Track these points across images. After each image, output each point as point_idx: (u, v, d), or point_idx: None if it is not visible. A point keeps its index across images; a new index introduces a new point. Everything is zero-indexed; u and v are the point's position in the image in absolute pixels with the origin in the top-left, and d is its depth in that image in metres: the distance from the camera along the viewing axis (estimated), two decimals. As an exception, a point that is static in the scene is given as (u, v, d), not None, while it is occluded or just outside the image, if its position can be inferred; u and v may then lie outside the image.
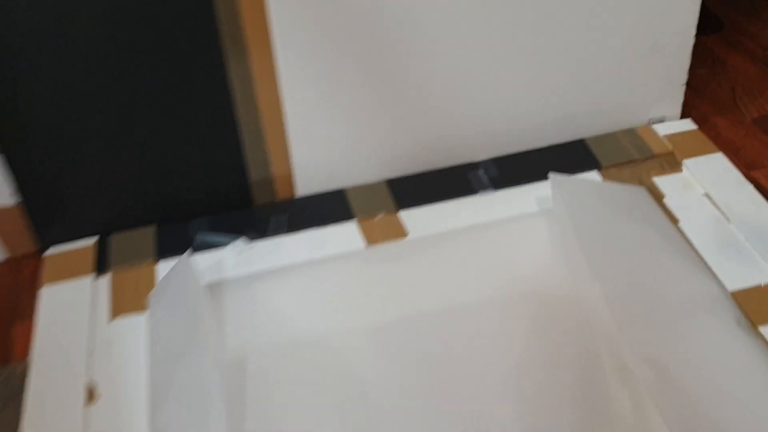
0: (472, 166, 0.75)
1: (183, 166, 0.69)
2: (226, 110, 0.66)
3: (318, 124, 0.69)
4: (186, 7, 0.60)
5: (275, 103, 0.67)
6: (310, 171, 0.72)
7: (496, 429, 0.54)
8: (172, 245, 0.69)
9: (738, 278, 0.64)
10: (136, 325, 0.63)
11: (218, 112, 0.66)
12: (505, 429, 0.54)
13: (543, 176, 0.73)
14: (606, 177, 0.73)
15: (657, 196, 0.71)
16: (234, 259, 0.67)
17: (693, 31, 0.74)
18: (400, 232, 0.69)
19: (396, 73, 0.68)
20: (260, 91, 0.65)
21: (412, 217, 0.71)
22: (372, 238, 0.69)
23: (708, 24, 0.92)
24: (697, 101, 0.83)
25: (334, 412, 0.56)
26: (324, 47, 0.65)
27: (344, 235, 0.69)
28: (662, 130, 0.78)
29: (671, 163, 0.75)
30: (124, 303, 0.65)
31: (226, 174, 0.70)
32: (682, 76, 0.77)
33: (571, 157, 0.75)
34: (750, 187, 0.72)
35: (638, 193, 0.70)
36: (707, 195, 0.71)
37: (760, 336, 0.59)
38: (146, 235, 0.70)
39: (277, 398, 0.57)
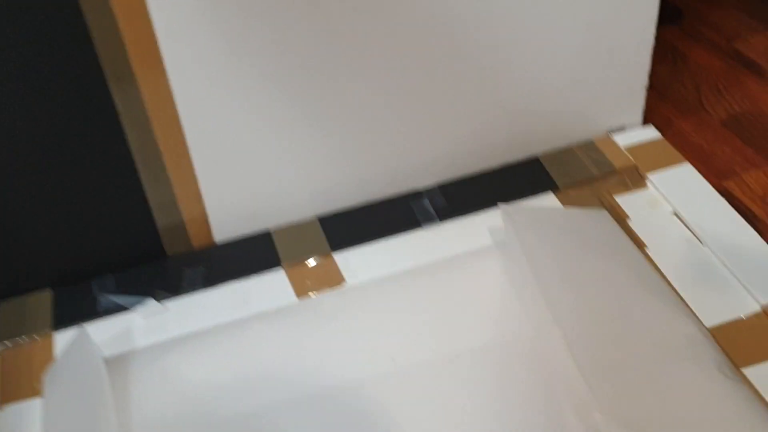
0: (416, 196, 0.68)
1: (78, 217, 0.61)
2: (119, 151, 0.58)
3: (231, 157, 0.62)
4: (59, 43, 0.52)
5: (177, 138, 0.59)
6: (228, 212, 0.65)
7: None
8: (72, 312, 0.61)
9: (716, 311, 0.58)
10: (29, 413, 0.55)
11: (110, 153, 0.58)
12: None
13: (495, 202, 0.66)
14: (563, 199, 0.67)
15: (620, 218, 0.65)
16: (142, 325, 0.60)
17: (653, 30, 0.68)
18: (336, 279, 0.63)
19: (322, 95, 0.61)
20: (157, 126, 0.58)
21: (349, 260, 0.64)
22: (304, 288, 0.62)
23: (666, 14, 0.86)
24: (659, 104, 0.77)
25: None
26: (229, 69, 0.57)
27: (271, 287, 0.62)
28: (623, 140, 0.72)
29: (634, 178, 0.69)
30: (16, 386, 0.57)
31: (128, 223, 0.62)
32: (643, 79, 0.71)
33: (524, 178, 0.69)
34: (723, 202, 0.66)
35: (599, 218, 0.64)
36: (676, 214, 0.66)
37: (745, 380, 0.54)
38: (41, 301, 0.62)
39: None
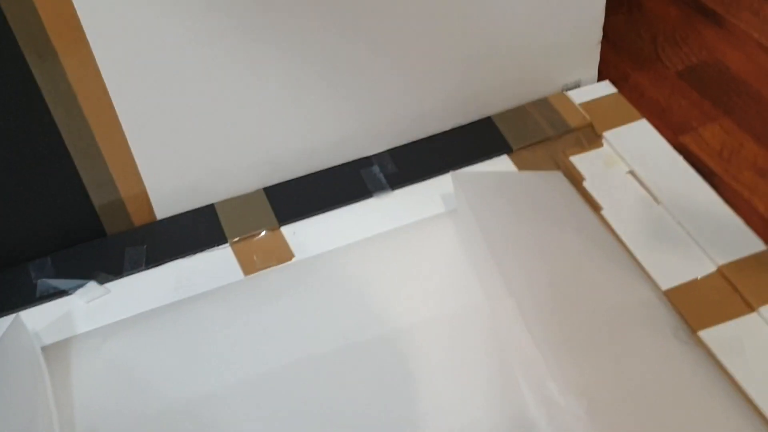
0: (365, 163, 0.67)
1: (8, 200, 0.58)
2: (46, 130, 0.56)
3: (167, 129, 0.59)
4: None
5: (107, 113, 0.56)
6: (168, 186, 0.62)
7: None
8: (8, 298, 0.59)
9: (672, 273, 0.58)
10: (-35, 408, 0.53)
11: (37, 133, 0.56)
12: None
13: (447, 166, 0.65)
14: (517, 162, 0.66)
15: (576, 179, 0.65)
16: (83, 309, 0.58)
17: (606, -21, 0.67)
18: (284, 255, 0.61)
19: (261, 59, 0.59)
20: (85, 102, 0.55)
21: (298, 233, 0.63)
22: (251, 265, 0.61)
23: (622, -40, 0.85)
24: (614, 57, 0.76)
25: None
26: (159, 36, 0.55)
27: (216, 265, 0.61)
28: (578, 97, 0.71)
29: (590, 137, 0.68)
30: (-50, 380, 0.55)
31: (63, 203, 0.60)
32: (597, 32, 0.69)
33: (477, 140, 0.67)
34: (679, 159, 0.66)
35: (554, 181, 0.63)
36: (632, 173, 0.65)
37: (701, 344, 0.54)
38: (-27, 287, 0.60)
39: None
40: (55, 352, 0.56)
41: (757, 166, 0.67)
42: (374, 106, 0.65)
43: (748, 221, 0.61)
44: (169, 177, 0.62)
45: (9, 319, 0.58)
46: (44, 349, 0.56)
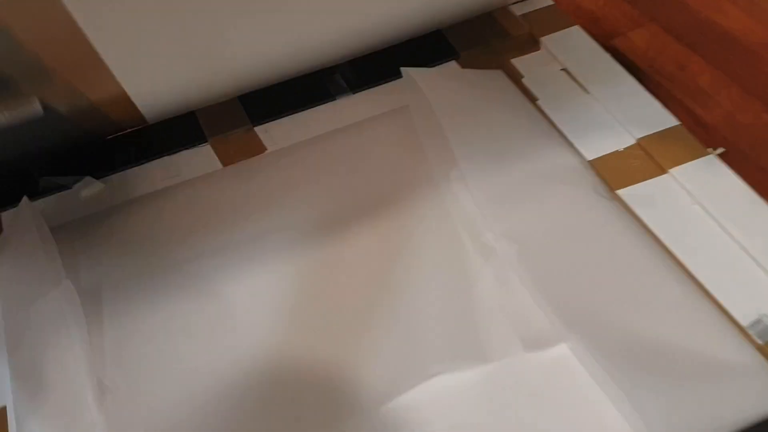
0: (328, 71, 0.78)
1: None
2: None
3: (141, 47, 0.66)
4: None
5: (72, 32, 0.62)
6: (152, 99, 0.73)
7: (365, 329, 0.59)
8: (14, 192, 0.70)
9: (596, 147, 0.69)
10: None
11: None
12: (374, 324, 0.59)
13: (400, 73, 0.76)
14: (463, 64, 0.77)
15: (515, 77, 0.76)
16: (83, 196, 0.69)
17: None
18: (258, 148, 0.72)
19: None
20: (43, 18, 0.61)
21: (269, 131, 0.74)
22: (228, 157, 0.72)
23: None
24: (553, -24, 0.87)
25: (200, 330, 0.60)
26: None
27: (198, 159, 0.72)
28: (519, 10, 0.82)
29: (528, 43, 0.79)
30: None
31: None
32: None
33: (427, 49, 0.78)
34: (607, 56, 0.77)
35: (495, 77, 0.75)
36: (565, 70, 0.76)
37: (618, 199, 0.65)
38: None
39: (140, 321, 0.60)
40: (59, 231, 0.67)
41: (678, 62, 0.78)
42: (335, 21, 0.76)
43: (666, 104, 0.73)
44: (154, 91, 0.72)
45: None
46: (51, 229, 0.67)
